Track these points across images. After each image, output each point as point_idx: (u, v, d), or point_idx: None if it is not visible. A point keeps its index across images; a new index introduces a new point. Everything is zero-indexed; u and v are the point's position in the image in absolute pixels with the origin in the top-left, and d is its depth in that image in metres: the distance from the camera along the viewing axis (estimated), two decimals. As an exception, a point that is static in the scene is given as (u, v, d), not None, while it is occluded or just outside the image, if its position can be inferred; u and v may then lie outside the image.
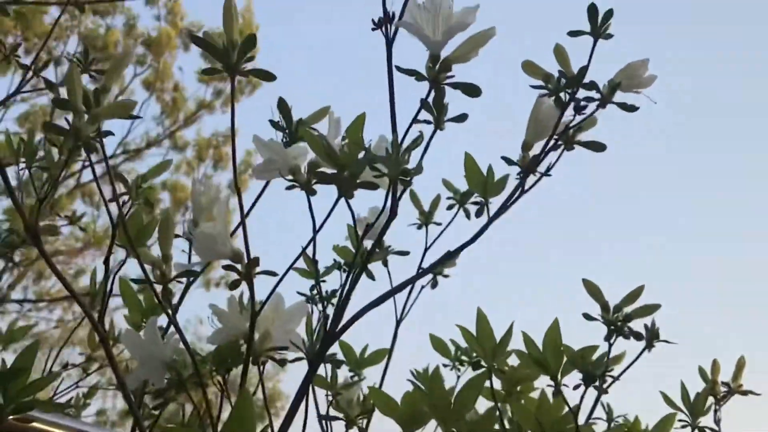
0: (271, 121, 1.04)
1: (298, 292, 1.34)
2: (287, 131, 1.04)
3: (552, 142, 0.91)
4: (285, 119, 1.03)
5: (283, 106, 1.03)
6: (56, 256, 5.11)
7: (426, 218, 1.35)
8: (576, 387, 0.94)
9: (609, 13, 0.90)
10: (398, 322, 1.32)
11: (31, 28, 4.26)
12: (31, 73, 1.16)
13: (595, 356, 0.96)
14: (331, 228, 0.94)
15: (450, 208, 1.34)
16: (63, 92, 1.13)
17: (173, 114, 5.08)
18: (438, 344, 1.46)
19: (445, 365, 1.45)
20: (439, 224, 1.34)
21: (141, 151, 5.17)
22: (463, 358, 1.47)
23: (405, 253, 1.26)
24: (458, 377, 1.44)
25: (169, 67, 5.11)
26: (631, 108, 0.93)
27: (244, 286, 0.91)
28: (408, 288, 1.32)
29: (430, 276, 1.35)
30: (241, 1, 5.33)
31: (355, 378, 1.28)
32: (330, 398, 1.08)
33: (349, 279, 0.89)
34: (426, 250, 1.31)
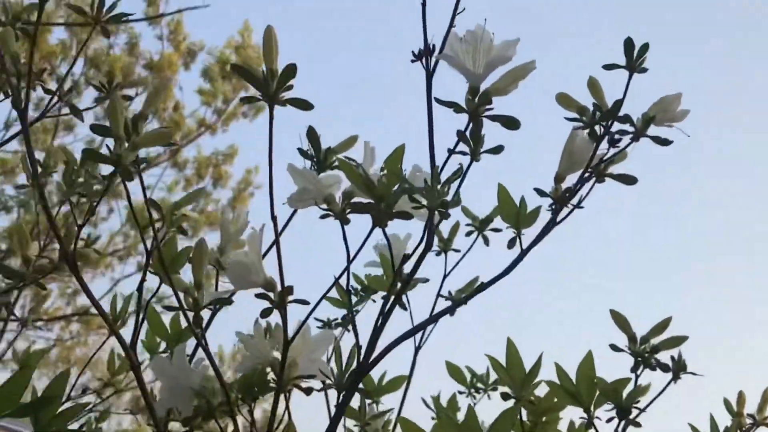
0: (300, 150, 1.04)
1: (317, 318, 1.34)
2: (316, 160, 1.04)
3: (588, 174, 0.91)
4: (314, 148, 1.03)
5: (312, 134, 1.03)
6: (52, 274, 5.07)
7: (445, 245, 1.35)
8: (609, 420, 0.94)
9: (645, 47, 0.91)
10: (417, 350, 1.31)
11: (37, 48, 4.24)
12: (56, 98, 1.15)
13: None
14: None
15: (468, 234, 1.34)
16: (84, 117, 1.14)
17: (174, 133, 5.07)
18: (454, 371, 1.46)
19: (460, 392, 1.46)
20: (457, 251, 1.34)
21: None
22: (479, 385, 1.47)
23: (425, 281, 1.26)
24: (474, 404, 1.43)
25: (171, 87, 5.13)
26: (665, 141, 0.93)
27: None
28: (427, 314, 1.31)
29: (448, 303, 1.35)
30: (239, 22, 5.33)
31: (374, 405, 1.28)
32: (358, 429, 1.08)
33: (384, 310, 0.89)
34: (445, 276, 1.31)
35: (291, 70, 0.84)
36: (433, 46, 0.83)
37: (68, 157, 1.03)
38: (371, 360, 0.89)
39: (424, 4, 0.81)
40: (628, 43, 0.90)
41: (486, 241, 1.34)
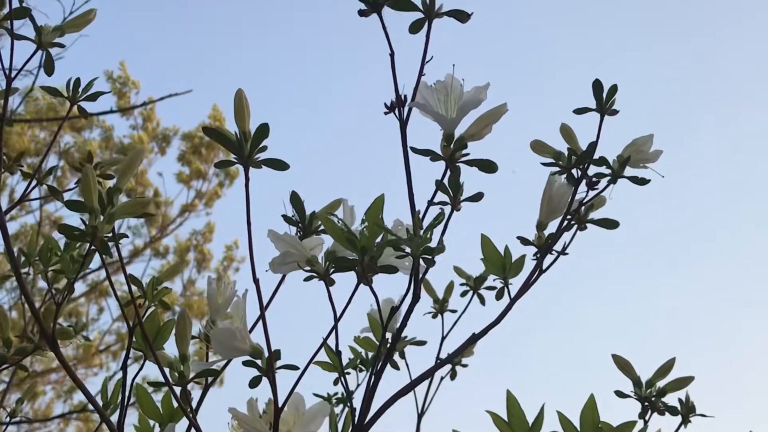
0: (284, 216, 1.02)
1: (315, 394, 1.30)
2: (300, 225, 1.03)
3: (567, 221, 0.90)
4: (298, 213, 1.02)
5: (295, 200, 1.02)
6: (48, 374, 5.00)
7: (441, 306, 1.32)
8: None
9: (613, 89, 0.91)
10: (420, 416, 1.28)
11: (8, 143, 4.31)
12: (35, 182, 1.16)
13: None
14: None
15: (464, 294, 1.32)
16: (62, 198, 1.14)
17: (155, 221, 5.09)
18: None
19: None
20: (454, 311, 1.31)
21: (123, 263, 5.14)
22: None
23: (422, 343, 1.23)
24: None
25: (146, 173, 5.20)
26: (642, 181, 0.92)
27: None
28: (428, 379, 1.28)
29: (449, 366, 1.32)
30: (208, 106, 5.43)
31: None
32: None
33: (375, 371, 0.86)
34: (443, 338, 1.29)
35: (264, 131, 0.83)
36: (405, 96, 0.83)
37: (44, 238, 1.02)
38: (366, 421, 0.86)
39: (392, 55, 0.81)
40: (597, 86, 0.90)
41: (482, 301, 1.31)
